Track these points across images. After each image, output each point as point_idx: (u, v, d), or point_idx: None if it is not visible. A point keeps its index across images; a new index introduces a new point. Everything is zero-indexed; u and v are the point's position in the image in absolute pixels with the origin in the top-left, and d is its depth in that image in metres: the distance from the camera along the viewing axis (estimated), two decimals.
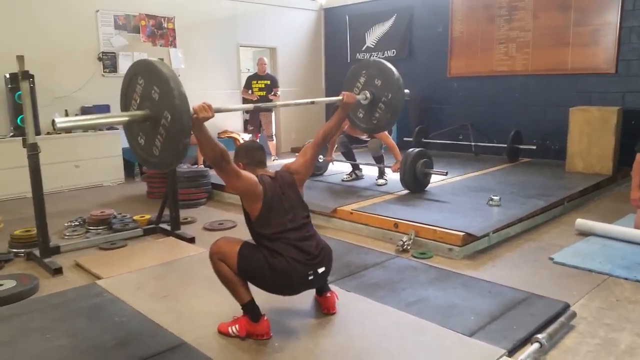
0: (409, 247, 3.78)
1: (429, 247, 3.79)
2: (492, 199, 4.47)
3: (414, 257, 3.66)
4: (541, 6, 6.90)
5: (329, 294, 2.73)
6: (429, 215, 4.16)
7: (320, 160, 6.17)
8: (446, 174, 5.19)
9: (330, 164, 6.21)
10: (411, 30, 8.44)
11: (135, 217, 4.70)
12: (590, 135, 5.87)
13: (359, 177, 5.93)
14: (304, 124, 9.41)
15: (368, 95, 3.01)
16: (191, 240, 4.10)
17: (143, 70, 2.28)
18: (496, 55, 7.40)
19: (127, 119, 2.30)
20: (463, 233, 3.65)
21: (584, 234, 4.02)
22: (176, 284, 3.25)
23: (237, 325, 2.49)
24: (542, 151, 6.95)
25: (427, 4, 8.18)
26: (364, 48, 9.13)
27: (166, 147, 2.21)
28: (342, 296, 2.89)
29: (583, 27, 6.57)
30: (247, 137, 8.18)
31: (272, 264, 2.38)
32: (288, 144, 9.35)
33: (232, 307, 2.81)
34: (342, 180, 5.85)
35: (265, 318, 2.47)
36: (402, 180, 5.10)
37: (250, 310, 2.46)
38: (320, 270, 2.49)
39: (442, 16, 7.97)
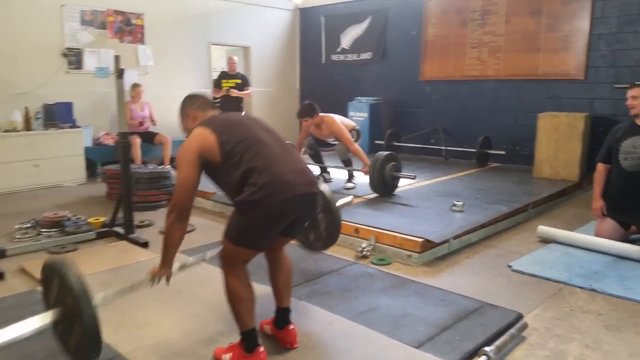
0: (368, 253, 3.70)
1: (388, 253, 3.71)
2: (455, 205, 4.41)
3: (373, 263, 3.57)
4: (513, 11, 6.90)
5: (291, 327, 2.40)
6: (390, 221, 4.08)
7: None
8: (414, 177, 5.13)
9: None
10: (386, 32, 8.39)
11: (89, 220, 4.53)
12: (558, 141, 5.87)
13: (327, 180, 5.84)
14: (277, 124, 9.12)
15: None
16: (144, 244, 3.95)
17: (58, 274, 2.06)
18: (468, 59, 7.38)
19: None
20: (422, 239, 3.57)
21: (546, 241, 3.99)
22: None
23: (230, 354, 2.23)
24: (511, 156, 6.95)
25: (401, 7, 8.14)
26: (339, 49, 9.06)
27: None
28: (292, 305, 2.79)
29: (554, 32, 6.58)
30: None
31: (258, 197, 2.05)
32: None
33: (175, 319, 2.70)
34: None
35: (262, 349, 2.21)
36: (371, 183, 5.03)
37: (249, 339, 2.18)
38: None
39: (416, 19, 7.93)
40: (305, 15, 9.62)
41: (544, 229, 4.02)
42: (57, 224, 4.41)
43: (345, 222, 4.03)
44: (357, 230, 3.95)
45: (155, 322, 2.67)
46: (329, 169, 5.90)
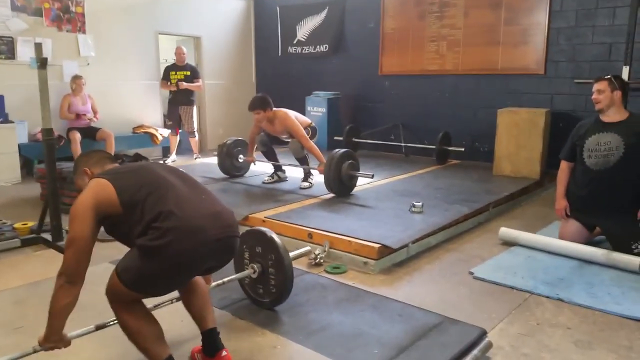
0: (322, 261, 3.41)
1: (343, 260, 3.42)
2: (414, 206, 4.17)
3: (327, 272, 3.28)
4: (472, 3, 6.72)
5: (224, 353, 2.09)
6: (346, 224, 3.80)
7: (240, 161, 5.72)
8: (372, 176, 4.86)
9: (252, 164, 5.77)
10: (343, 24, 8.10)
11: (15, 225, 4.08)
12: (518, 137, 5.72)
13: (281, 179, 5.52)
14: (233, 119, 8.90)
15: (256, 268, 2.62)
16: None
17: None
18: (427, 53, 7.18)
19: None
20: (379, 245, 3.31)
21: (508, 243, 3.80)
22: (37, 310, 2.68)
23: None
24: (471, 153, 6.79)
25: None
26: (295, 42, 8.71)
27: None
28: (231, 325, 2.48)
29: (513, 26, 6.44)
30: (166, 132, 7.60)
31: (161, 243, 1.78)
32: (215, 141, 8.77)
33: (97, 343, 2.34)
34: (263, 183, 5.42)
35: None
36: (327, 183, 4.75)
37: None
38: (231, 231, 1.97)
39: (374, 11, 7.67)
40: (260, 5, 9.22)
41: (506, 231, 3.83)
42: None
43: (299, 226, 3.77)
44: (310, 235, 3.65)
45: (74, 347, 2.29)
46: (283, 167, 5.58)
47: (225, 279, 2.56)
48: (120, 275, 1.86)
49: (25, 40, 6.45)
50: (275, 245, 2.56)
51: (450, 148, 6.72)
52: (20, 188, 5.88)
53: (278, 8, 8.83)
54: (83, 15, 6.96)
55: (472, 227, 4.27)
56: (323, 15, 8.28)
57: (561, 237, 3.64)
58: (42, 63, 3.49)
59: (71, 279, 1.79)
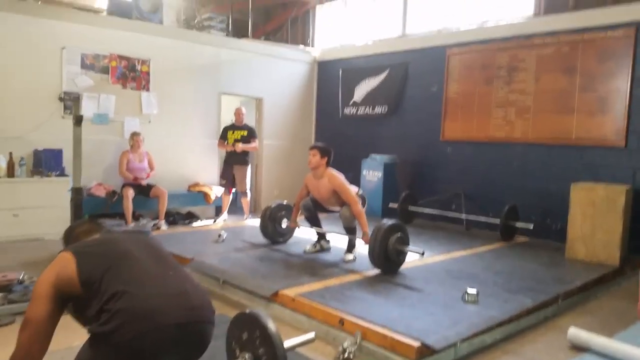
0: (352, 355, 2.96)
1: (377, 357, 2.96)
2: (467, 294, 3.64)
3: None
4: (544, 68, 6.27)
5: None
6: (385, 310, 3.35)
7: (284, 227, 5.43)
8: (422, 254, 4.38)
9: (297, 228, 5.47)
10: (404, 87, 7.83)
11: None
12: (595, 217, 5.05)
13: (324, 249, 5.15)
14: (289, 179, 8.70)
15: (247, 357, 2.31)
16: None
17: None
18: (493, 119, 6.72)
19: None
20: (418, 343, 2.82)
21: (579, 347, 3.17)
22: None
23: None
24: (541, 230, 6.12)
25: (422, 61, 7.60)
26: (351, 102, 8.55)
27: None
28: None
29: (590, 93, 5.90)
30: (219, 190, 7.51)
31: (109, 328, 1.55)
32: (269, 201, 8.56)
33: None
34: (304, 252, 5.06)
35: None
36: (371, 257, 4.33)
37: None
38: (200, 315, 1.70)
39: (438, 75, 7.37)
40: (323, 69, 9.19)
41: (576, 332, 3.21)
42: (5, 288, 3.83)
43: (331, 310, 3.36)
44: (342, 321, 3.22)
45: None
46: (328, 237, 5.21)
47: None
48: None
49: (90, 97, 6.66)
50: (256, 317, 2.23)
51: (518, 224, 6.08)
52: None
53: (341, 70, 8.75)
54: (148, 74, 7.14)
55: (537, 322, 3.65)
56: (382, 77, 8.08)
57: None
58: (77, 120, 3.43)
59: None
